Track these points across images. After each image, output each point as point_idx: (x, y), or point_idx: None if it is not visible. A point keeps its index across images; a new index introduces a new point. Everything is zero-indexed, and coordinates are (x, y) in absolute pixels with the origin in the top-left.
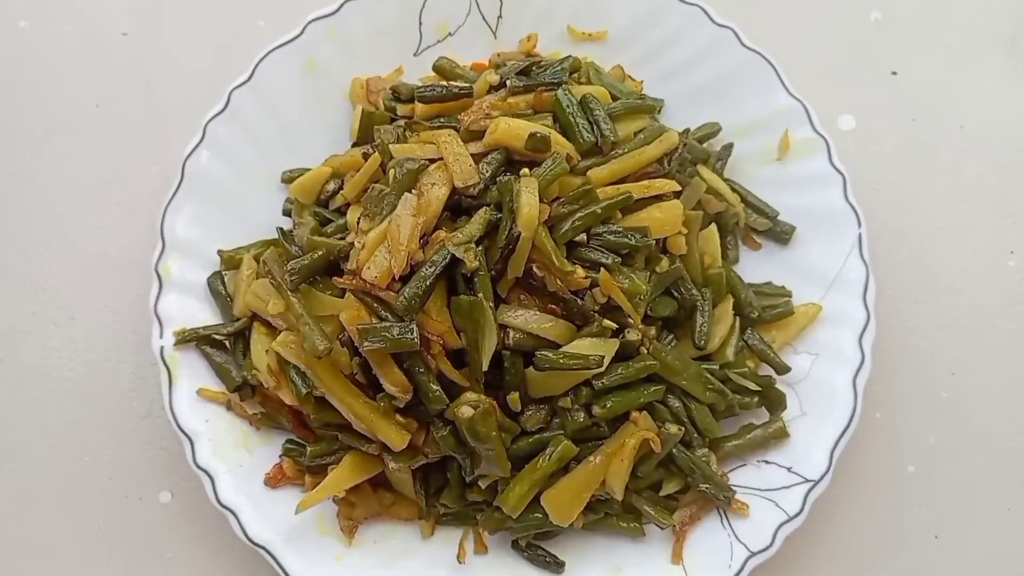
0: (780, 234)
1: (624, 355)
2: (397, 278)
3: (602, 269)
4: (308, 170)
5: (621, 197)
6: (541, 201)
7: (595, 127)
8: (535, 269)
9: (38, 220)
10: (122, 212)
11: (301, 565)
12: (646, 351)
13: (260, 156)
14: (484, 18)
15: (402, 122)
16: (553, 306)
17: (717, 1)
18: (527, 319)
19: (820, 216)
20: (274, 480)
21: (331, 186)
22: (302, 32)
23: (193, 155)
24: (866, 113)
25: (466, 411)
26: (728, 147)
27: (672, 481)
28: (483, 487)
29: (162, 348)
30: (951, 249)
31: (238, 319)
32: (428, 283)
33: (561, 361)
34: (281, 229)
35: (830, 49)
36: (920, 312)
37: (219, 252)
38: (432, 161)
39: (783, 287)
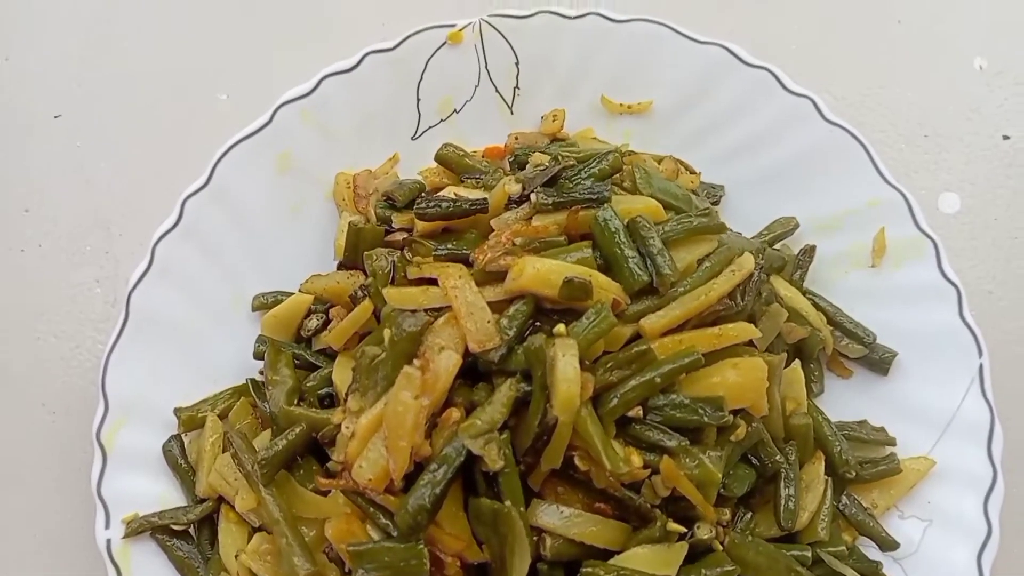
0: (878, 361)
1: (692, 553)
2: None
3: (664, 457)
4: (283, 295)
5: (687, 361)
6: (582, 367)
7: (648, 261)
8: (577, 460)
9: None
10: (58, 353)
11: None
12: (720, 546)
13: (223, 280)
14: (497, 90)
15: (398, 237)
16: (601, 504)
17: (788, 62)
18: (568, 522)
19: (928, 339)
20: None
21: (313, 322)
22: (271, 119)
23: (140, 286)
24: (974, 190)
25: None
26: (809, 251)
27: None
28: None
29: (109, 541)
30: None
31: (202, 500)
32: (438, 491)
33: None
34: (252, 381)
35: (926, 110)
36: None
37: (176, 411)
38: (437, 311)
39: (883, 429)
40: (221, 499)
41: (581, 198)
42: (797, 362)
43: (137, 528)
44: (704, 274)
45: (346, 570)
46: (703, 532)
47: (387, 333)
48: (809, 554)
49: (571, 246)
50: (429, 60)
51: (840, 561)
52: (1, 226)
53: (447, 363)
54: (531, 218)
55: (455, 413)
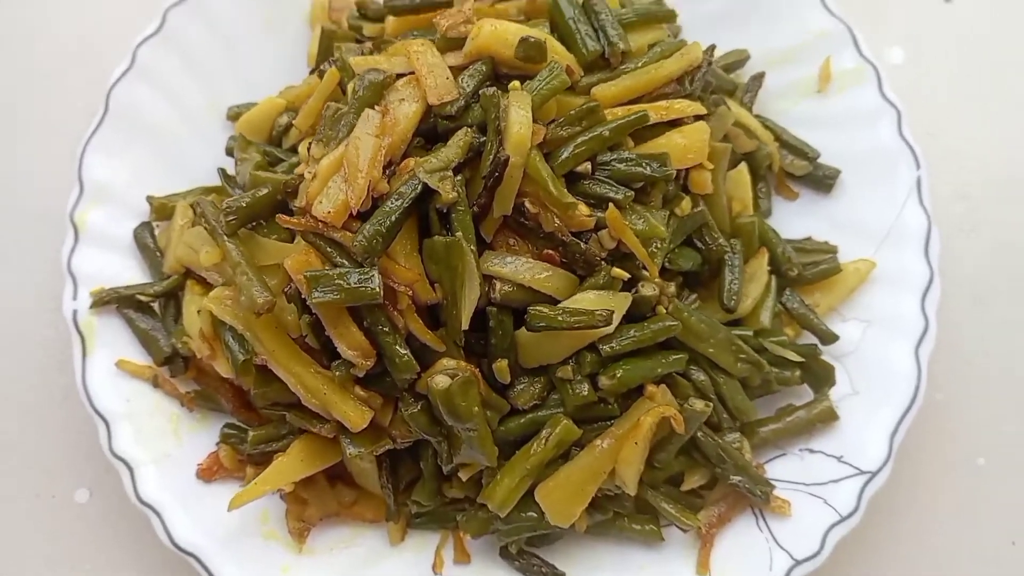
0: (822, 179)
1: (637, 316)
2: (356, 214)
3: (610, 205)
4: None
5: (634, 116)
6: (535, 122)
7: (601, 34)
8: (527, 205)
9: None
10: (41, 157)
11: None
12: (664, 311)
13: (202, 88)
14: None
15: (369, 43)
16: (550, 251)
17: None
18: (517, 267)
19: (870, 157)
20: (208, 473)
21: (284, 119)
22: None
23: (119, 84)
24: (918, 45)
25: (441, 381)
26: (758, 77)
27: (696, 473)
28: (464, 480)
29: (75, 312)
30: (1018, 205)
31: (169, 277)
32: (394, 219)
33: (560, 318)
34: (223, 171)
35: None
36: (985, 279)
37: (149, 199)
38: (402, 77)
39: (826, 243)
40: (187, 275)
41: None
42: (743, 165)
43: (103, 298)
44: (654, 56)
45: (304, 307)
46: (647, 290)
47: (351, 87)
48: (751, 334)
49: (529, 22)
50: None
51: (781, 346)
52: None
53: (408, 109)
54: (494, 5)
55: (412, 162)
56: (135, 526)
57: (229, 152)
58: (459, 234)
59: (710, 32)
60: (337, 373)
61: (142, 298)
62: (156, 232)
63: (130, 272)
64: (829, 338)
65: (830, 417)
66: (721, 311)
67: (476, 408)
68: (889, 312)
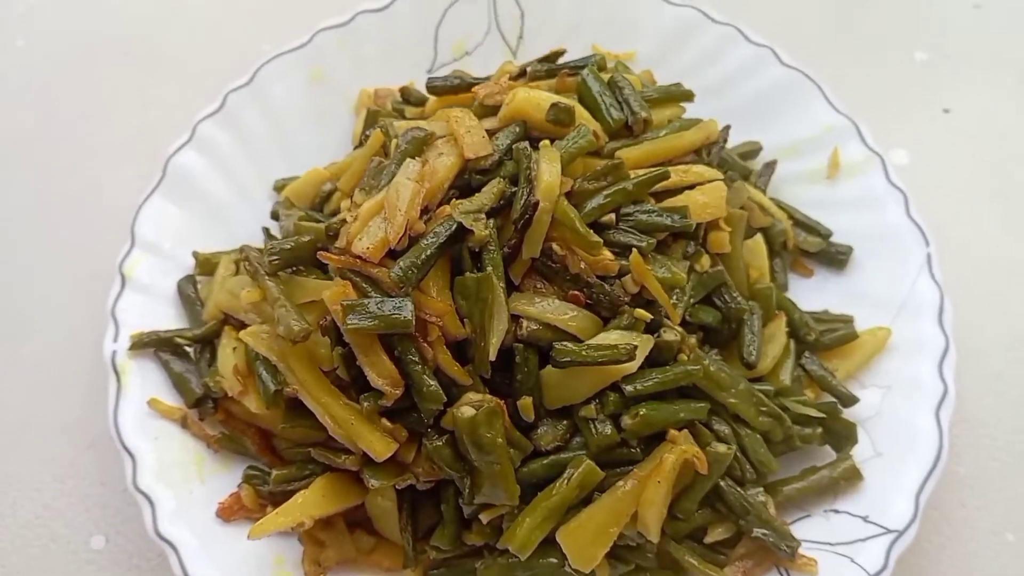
0: (835, 256)
1: (659, 361)
2: (392, 253)
3: (634, 251)
4: None
5: (657, 172)
6: (563, 176)
7: (625, 106)
8: (555, 247)
9: (10, 225)
10: (100, 225)
11: None
12: (686, 358)
13: (252, 163)
14: (504, 37)
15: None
16: (576, 292)
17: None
18: (544, 307)
19: (880, 237)
20: (229, 512)
21: (328, 186)
22: (310, 40)
23: (178, 154)
24: (921, 149)
25: (467, 411)
26: (771, 164)
27: (720, 526)
28: (485, 523)
29: (114, 353)
30: None
31: (207, 324)
32: (429, 253)
33: (585, 353)
34: (267, 229)
35: (878, 83)
36: (1004, 356)
37: (194, 254)
38: (441, 138)
39: (842, 314)
40: (224, 322)
41: (571, 64)
42: (759, 235)
43: (142, 340)
44: (674, 127)
45: (337, 339)
46: (669, 335)
47: (393, 144)
48: (772, 389)
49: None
50: (448, 8)
51: (802, 404)
52: (66, 130)
53: (446, 162)
54: (527, 84)
55: (448, 209)
56: (146, 570)
57: (275, 216)
58: (490, 270)
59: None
60: (366, 404)
61: (180, 341)
62: (199, 285)
63: (170, 320)
64: (849, 400)
65: (854, 476)
66: (741, 368)
67: (500, 440)
68: (907, 378)
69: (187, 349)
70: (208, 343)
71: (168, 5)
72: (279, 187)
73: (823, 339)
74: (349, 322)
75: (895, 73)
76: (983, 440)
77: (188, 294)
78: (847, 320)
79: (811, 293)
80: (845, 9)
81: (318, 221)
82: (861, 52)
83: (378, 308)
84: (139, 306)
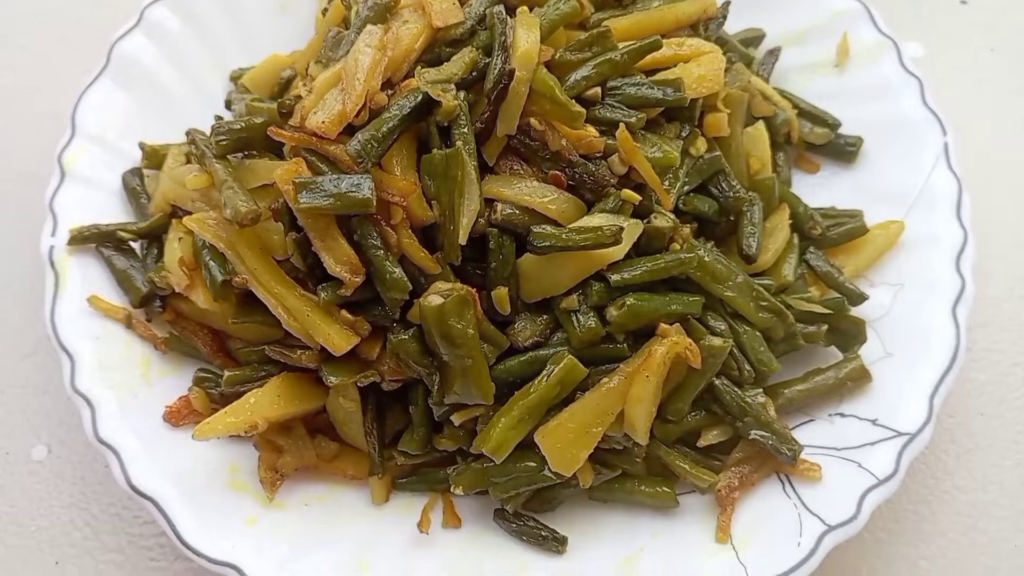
0: (843, 148)
1: (649, 251)
2: (353, 124)
3: (621, 126)
4: None
5: (647, 42)
6: (542, 45)
7: None
8: (533, 123)
9: None
10: (38, 122)
11: (198, 525)
12: (679, 248)
13: (207, 51)
14: None
15: None
16: (556, 173)
17: None
18: (521, 189)
19: (893, 127)
20: (177, 416)
21: (288, 72)
22: None
23: (124, 39)
24: (936, 41)
25: (434, 300)
26: (774, 51)
27: (715, 428)
28: (457, 425)
29: (52, 248)
30: None
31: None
32: (391, 126)
33: (565, 236)
34: (219, 118)
35: None
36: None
37: (141, 145)
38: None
39: (851, 209)
40: (172, 215)
41: None
42: (761, 123)
43: (82, 234)
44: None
45: (292, 224)
46: (660, 221)
47: (354, 11)
48: (773, 284)
49: None
50: None
51: (806, 301)
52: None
53: (411, 29)
54: None
55: (414, 82)
56: (92, 482)
57: (228, 105)
58: (459, 143)
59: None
60: (323, 295)
61: (123, 235)
62: (146, 179)
63: (115, 216)
64: (858, 298)
65: (862, 376)
66: (740, 262)
67: (472, 331)
68: (922, 275)
69: (132, 245)
70: (155, 239)
71: None
72: (236, 76)
73: (830, 234)
74: (302, 201)
75: None
76: (1003, 345)
77: (133, 187)
78: (856, 214)
79: (817, 190)
80: None
81: None
82: None
83: (334, 185)
84: (80, 200)
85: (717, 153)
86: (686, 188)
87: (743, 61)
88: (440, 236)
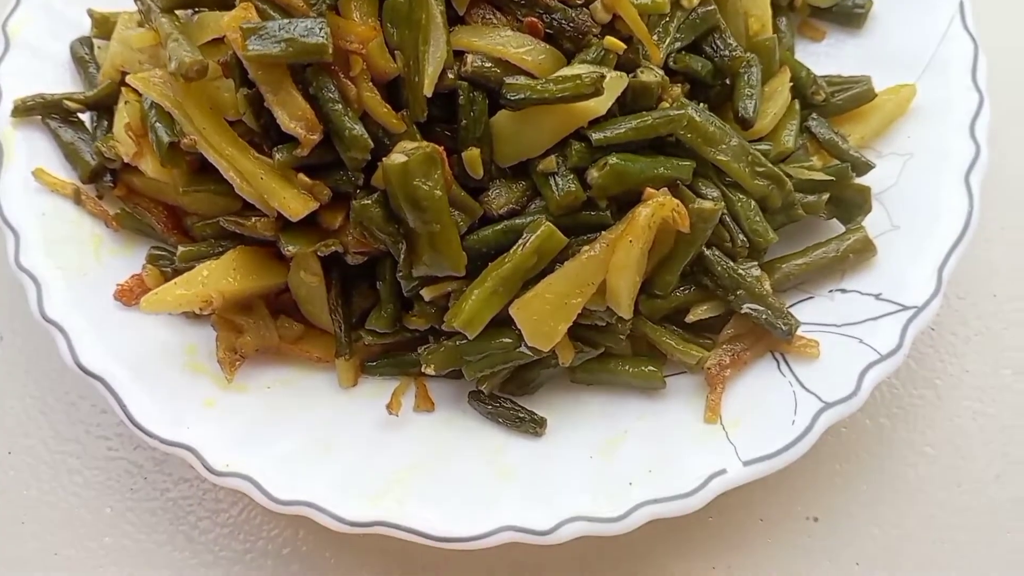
0: (851, 11)
1: (635, 109)
2: None
3: None
4: None
5: None
6: None
7: None
8: None
9: None
10: None
11: (150, 406)
12: (668, 104)
13: None
14: None
15: None
16: (533, 19)
17: None
18: (494, 39)
19: None
20: (129, 295)
21: None
22: None
23: None
24: None
25: (398, 159)
26: None
27: (705, 303)
28: (427, 300)
29: None
30: None
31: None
32: None
33: (540, 88)
34: None
35: None
36: None
37: (90, 12)
38: None
39: (858, 76)
40: (122, 83)
41: None
42: None
43: (27, 104)
44: None
45: (243, 80)
46: (648, 75)
47: None
48: (771, 150)
49: None
50: None
51: (807, 170)
52: None
53: None
54: None
55: None
56: (47, 370)
57: None
58: None
59: None
60: (278, 156)
61: (71, 106)
62: (97, 49)
63: (63, 87)
64: (863, 167)
65: (866, 249)
66: (736, 127)
67: (439, 192)
68: (933, 142)
69: (81, 118)
70: (105, 110)
71: None
72: None
73: (834, 100)
74: (250, 47)
75: None
76: (1019, 222)
77: (82, 56)
78: (863, 80)
79: (822, 59)
80: None
81: None
82: None
83: (285, 31)
84: (25, 70)
85: (712, 7)
86: (677, 44)
87: None
88: (404, 92)
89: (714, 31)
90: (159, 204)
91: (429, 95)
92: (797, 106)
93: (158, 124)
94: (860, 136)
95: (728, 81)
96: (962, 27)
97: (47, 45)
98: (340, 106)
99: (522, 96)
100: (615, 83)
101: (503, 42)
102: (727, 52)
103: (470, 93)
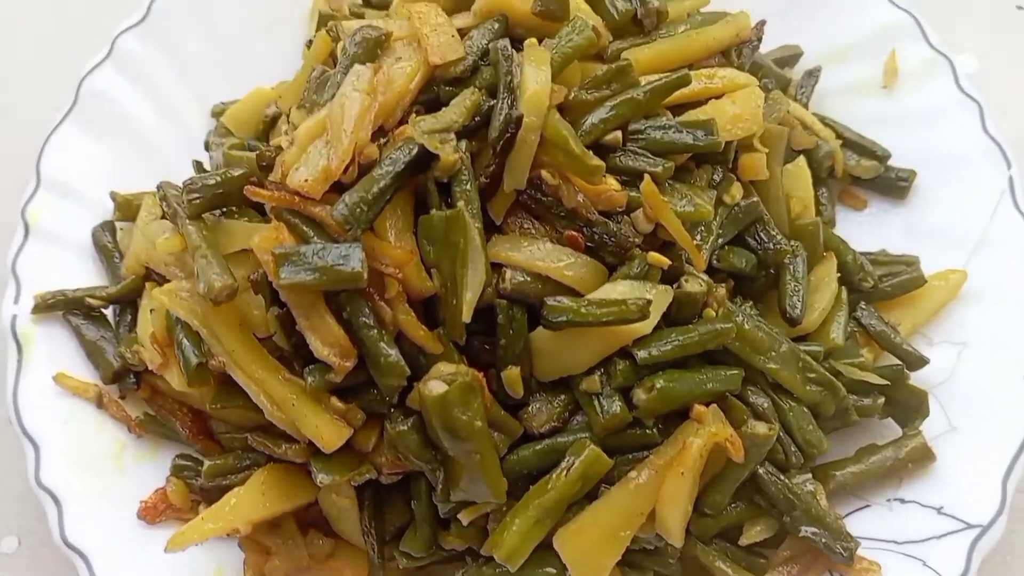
0: (894, 183)
1: (680, 319)
2: (339, 186)
3: (646, 178)
4: None
5: (674, 78)
6: (555, 83)
7: None
8: (544, 176)
9: None
10: (4, 160)
11: None
12: (714, 314)
13: (186, 83)
14: None
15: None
16: (573, 233)
17: None
18: (533, 253)
19: (950, 158)
20: (153, 513)
21: (272, 109)
22: None
23: (93, 74)
24: (992, 52)
25: (437, 387)
26: (814, 72)
27: (758, 523)
28: (465, 524)
29: (15, 317)
30: None
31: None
32: (382, 185)
33: (584, 311)
34: (198, 163)
35: None
36: None
37: (113, 195)
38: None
39: (904, 255)
40: (147, 277)
41: None
42: (802, 159)
43: (47, 301)
44: (696, 22)
45: (274, 298)
46: (692, 285)
47: (340, 48)
48: (821, 350)
49: None
50: None
51: (859, 369)
52: None
53: (405, 69)
54: None
55: (408, 129)
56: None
57: (208, 147)
58: (461, 204)
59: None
60: (310, 380)
61: (92, 303)
62: (119, 233)
63: (85, 277)
64: (917, 362)
65: (925, 456)
66: (783, 326)
67: (479, 423)
68: (988, 332)
69: (103, 312)
70: (129, 303)
71: None
72: (218, 112)
73: (883, 286)
74: (283, 276)
75: None
76: None
77: (104, 244)
78: (911, 262)
79: (865, 230)
80: None
81: (255, 149)
82: None
83: (319, 257)
84: (46, 260)
85: (755, 199)
86: (720, 241)
87: (780, 85)
88: (441, 309)
89: (756, 222)
90: (184, 407)
91: (468, 320)
92: (844, 295)
93: (185, 341)
94: (911, 323)
95: (772, 270)
96: (1012, 205)
97: (68, 231)
98: (375, 331)
99: (564, 319)
100: (660, 298)
101: (543, 256)
102: (771, 244)
103: (509, 311)
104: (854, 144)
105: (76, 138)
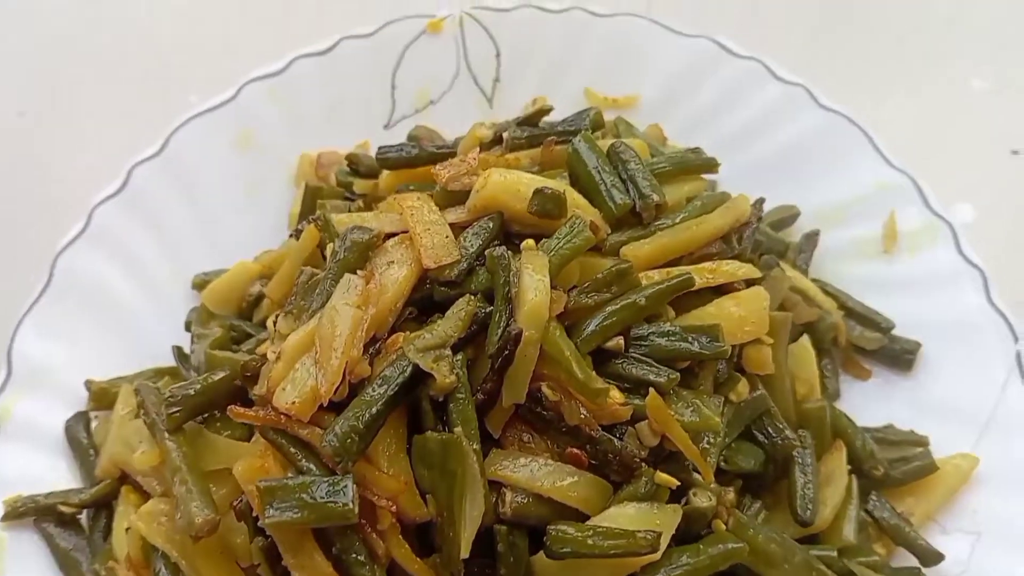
0: (899, 355)
1: (689, 534)
2: (327, 405)
3: (651, 391)
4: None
5: (676, 280)
6: (554, 288)
7: (630, 186)
8: (545, 391)
9: None
10: None
11: None
12: (724, 526)
13: (165, 255)
14: (476, 82)
15: (359, 201)
16: (575, 450)
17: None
18: (534, 472)
19: (955, 329)
20: None
21: (256, 288)
22: (236, 94)
23: (68, 251)
24: (988, 200)
25: None
26: (813, 236)
27: None
28: None
29: None
30: None
31: (101, 482)
32: (375, 411)
33: (590, 542)
34: (178, 349)
35: (930, 122)
36: None
37: (87, 384)
38: (392, 237)
39: (912, 432)
40: (122, 480)
41: (559, 128)
42: (806, 339)
43: (19, 509)
44: (695, 210)
45: (258, 528)
46: (701, 499)
47: (330, 249)
48: (835, 554)
49: (544, 173)
50: (406, 49)
51: (873, 571)
52: None
53: (397, 275)
54: (504, 156)
55: (401, 339)
56: None
57: (189, 327)
58: (458, 429)
59: (752, 186)
60: None
61: (65, 509)
62: (93, 426)
63: (58, 475)
64: (932, 557)
65: None
66: (794, 524)
67: None
68: (1002, 520)
69: (77, 517)
70: (104, 506)
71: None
72: (199, 284)
73: (893, 473)
74: (268, 515)
75: (949, 107)
76: None
77: (79, 439)
78: (921, 443)
79: (871, 402)
80: (883, 35)
81: (241, 338)
82: (907, 82)
83: (307, 494)
84: (16, 458)
85: (761, 392)
86: (727, 441)
87: (778, 250)
88: (438, 536)
89: (763, 416)
90: None
91: (466, 556)
92: (855, 485)
93: (163, 569)
94: (923, 511)
95: (780, 461)
96: (1022, 381)
97: (41, 422)
98: (367, 568)
99: (568, 550)
100: (668, 519)
101: (544, 476)
102: (778, 438)
103: (509, 537)
104: (857, 315)
105: (49, 321)
